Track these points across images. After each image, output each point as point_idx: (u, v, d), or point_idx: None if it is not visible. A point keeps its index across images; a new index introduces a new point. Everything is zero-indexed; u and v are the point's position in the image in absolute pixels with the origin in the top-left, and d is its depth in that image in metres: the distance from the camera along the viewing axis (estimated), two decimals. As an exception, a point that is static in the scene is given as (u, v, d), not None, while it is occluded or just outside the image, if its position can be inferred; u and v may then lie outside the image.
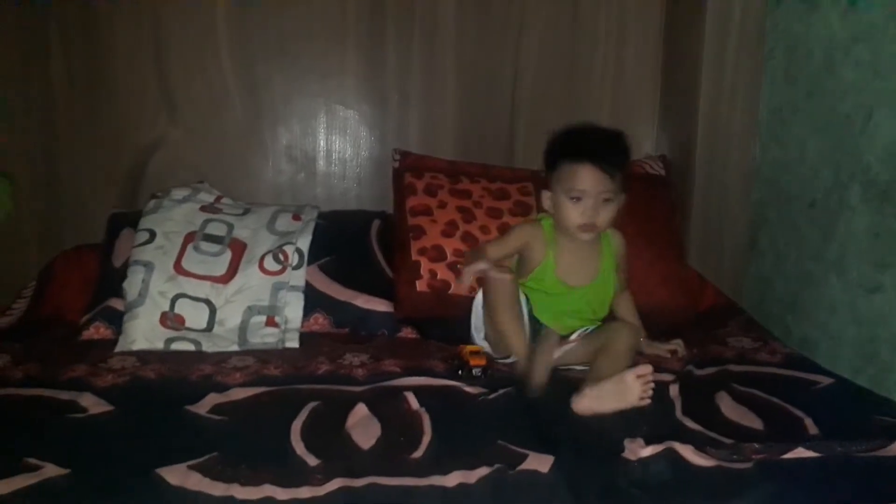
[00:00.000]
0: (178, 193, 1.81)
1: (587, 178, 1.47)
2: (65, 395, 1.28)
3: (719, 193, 2.00)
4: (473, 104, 2.14)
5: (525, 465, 1.02)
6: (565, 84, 2.15)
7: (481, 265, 1.45)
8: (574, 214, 1.49)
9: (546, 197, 1.56)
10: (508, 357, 1.46)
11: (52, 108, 2.02)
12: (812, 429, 1.19)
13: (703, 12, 1.96)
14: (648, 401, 1.23)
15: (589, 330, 1.53)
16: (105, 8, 2.00)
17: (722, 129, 1.98)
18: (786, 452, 1.07)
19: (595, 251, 1.57)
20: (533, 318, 1.52)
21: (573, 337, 1.50)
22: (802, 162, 1.81)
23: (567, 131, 1.57)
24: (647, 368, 1.24)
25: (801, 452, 1.07)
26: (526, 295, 1.52)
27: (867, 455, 1.08)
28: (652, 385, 1.24)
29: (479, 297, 1.53)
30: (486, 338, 1.52)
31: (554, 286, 1.54)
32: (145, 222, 1.72)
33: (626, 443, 1.07)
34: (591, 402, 1.23)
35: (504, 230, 1.68)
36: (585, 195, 1.48)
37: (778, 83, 1.91)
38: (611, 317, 1.61)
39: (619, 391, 1.22)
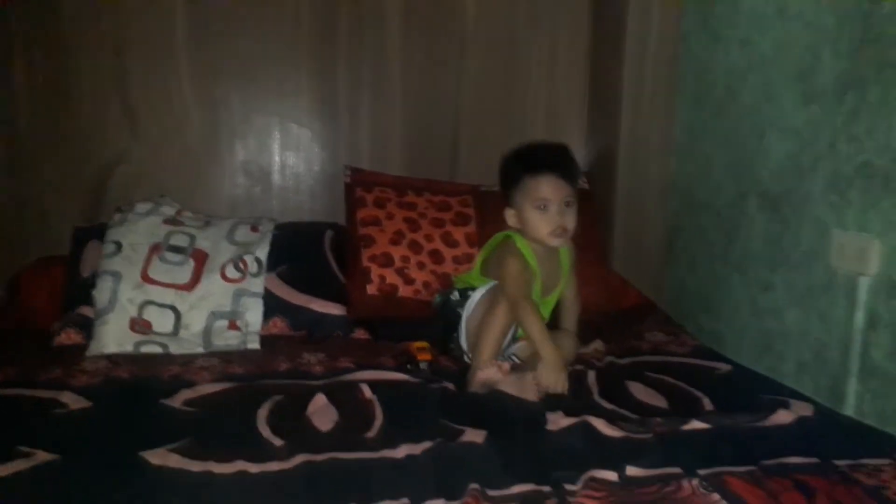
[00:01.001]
0: (142, 207, 1.92)
1: (550, 186, 1.60)
2: (45, 394, 1.39)
3: (639, 204, 2.22)
4: (419, 122, 2.31)
5: (463, 438, 1.19)
6: (503, 104, 2.34)
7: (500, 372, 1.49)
8: (543, 223, 1.61)
9: (510, 215, 1.67)
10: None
11: (15, 124, 2.11)
12: (708, 406, 1.40)
13: (623, 40, 2.17)
14: (536, 399, 1.41)
15: None
16: (68, 26, 2.10)
17: (641, 146, 2.20)
18: (683, 425, 1.27)
19: (557, 260, 1.72)
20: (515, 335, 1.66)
21: (524, 337, 1.64)
22: (710, 175, 2.03)
23: (520, 151, 1.71)
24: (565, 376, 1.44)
25: (695, 425, 1.27)
26: None
27: (749, 425, 1.28)
28: (543, 392, 1.42)
29: (478, 293, 1.62)
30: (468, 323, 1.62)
31: (536, 300, 1.66)
32: (112, 234, 1.84)
33: (548, 415, 1.26)
34: (504, 387, 1.43)
35: (507, 272, 1.60)
36: (550, 202, 1.60)
37: (689, 104, 2.14)
38: (555, 322, 1.75)
39: (520, 385, 1.42)
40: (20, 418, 1.30)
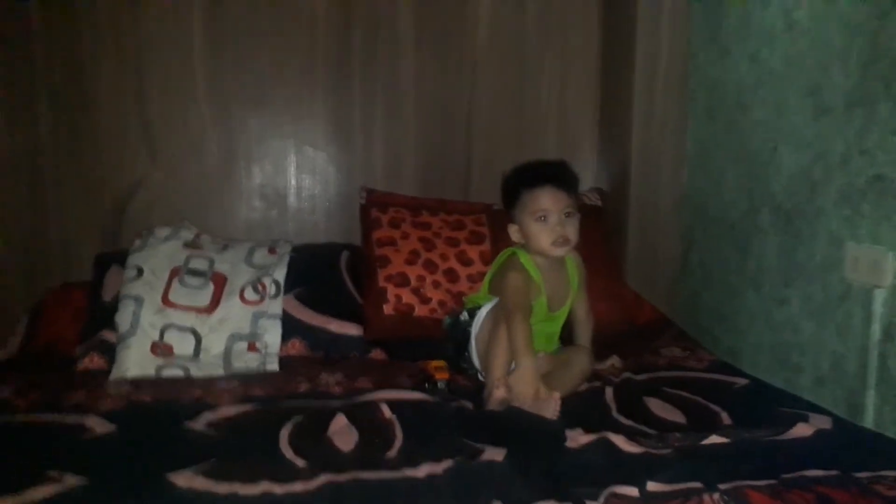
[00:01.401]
0: (162, 232, 1.96)
1: (548, 197, 1.64)
2: (70, 419, 1.41)
3: (652, 219, 2.23)
4: (432, 142, 2.34)
5: (483, 457, 1.20)
6: (515, 126, 2.37)
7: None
8: (544, 234, 1.64)
9: (513, 231, 1.70)
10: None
11: (38, 154, 2.16)
12: (727, 420, 1.40)
13: (634, 58, 2.20)
14: (556, 417, 1.39)
15: (554, 350, 1.71)
16: (90, 57, 2.15)
17: (653, 161, 2.22)
18: (702, 440, 1.28)
19: (565, 276, 1.74)
20: None
21: (540, 355, 1.64)
22: (723, 189, 2.04)
23: (519, 167, 1.77)
24: (558, 395, 1.43)
25: (714, 439, 1.28)
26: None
27: (769, 439, 1.29)
28: (560, 406, 1.41)
29: (485, 310, 1.63)
30: (479, 342, 1.63)
31: (543, 315, 1.69)
32: (133, 259, 1.87)
33: (568, 432, 1.27)
34: (521, 405, 1.43)
35: (507, 284, 1.62)
36: (549, 213, 1.63)
37: (701, 120, 2.16)
38: (569, 339, 1.78)
39: (538, 403, 1.42)
40: (48, 443, 1.32)
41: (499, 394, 1.47)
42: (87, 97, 2.17)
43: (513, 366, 1.65)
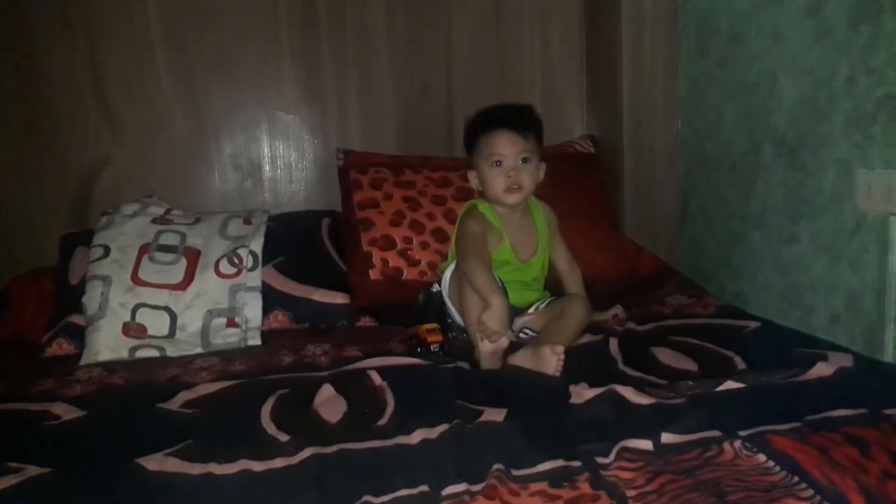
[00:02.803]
0: (129, 209, 1.84)
1: (503, 142, 1.58)
2: (36, 407, 1.31)
3: (648, 166, 2.13)
4: (410, 100, 2.22)
5: (482, 419, 1.10)
6: (497, 74, 2.25)
7: (502, 340, 1.40)
8: (498, 180, 1.59)
9: (472, 176, 1.67)
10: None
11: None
12: (741, 365, 1.31)
13: (620, 1, 2.08)
14: (559, 373, 1.29)
15: (546, 302, 1.62)
16: (39, 33, 2.02)
17: (645, 106, 2.11)
18: (717, 387, 1.18)
19: (532, 224, 1.68)
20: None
21: (531, 310, 1.60)
22: (720, 129, 1.94)
23: (479, 112, 1.71)
24: (560, 348, 1.31)
25: (729, 385, 1.18)
26: (501, 281, 1.57)
27: (788, 381, 1.19)
28: (562, 361, 1.30)
29: (449, 271, 1.58)
30: (454, 303, 1.56)
31: (513, 263, 1.63)
32: (99, 238, 1.76)
33: (571, 388, 1.17)
34: (519, 361, 1.35)
35: (462, 232, 1.60)
36: (505, 158, 1.58)
37: (693, 57, 2.04)
38: (561, 291, 1.71)
39: (538, 359, 1.32)
40: (9, 434, 1.21)
41: (486, 348, 1.38)
42: (39, 74, 2.04)
43: (520, 321, 1.58)
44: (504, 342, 1.39)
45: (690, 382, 1.20)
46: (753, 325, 1.52)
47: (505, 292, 1.56)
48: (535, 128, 1.66)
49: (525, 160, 1.60)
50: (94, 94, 2.07)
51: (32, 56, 2.03)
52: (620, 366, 1.35)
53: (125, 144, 2.10)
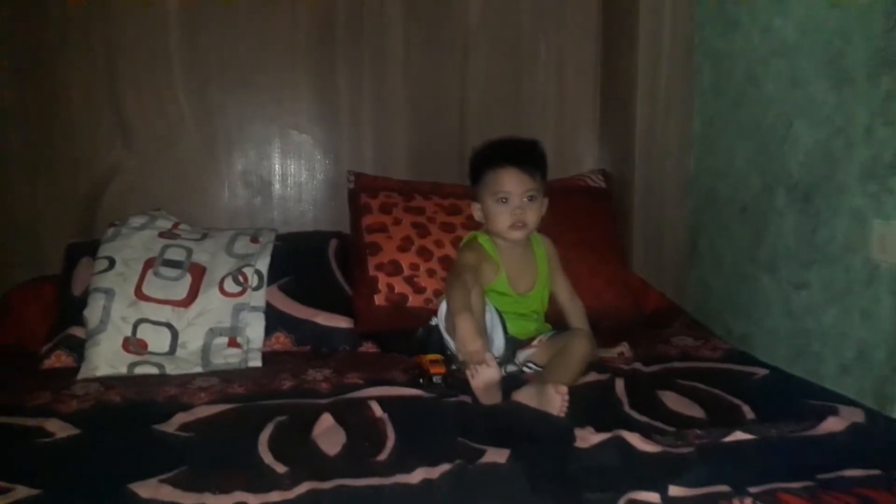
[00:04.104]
0: (136, 221, 1.83)
1: (510, 179, 1.60)
2: (30, 422, 1.28)
3: (658, 203, 2.11)
4: (424, 125, 2.21)
5: (484, 459, 1.08)
6: (510, 104, 2.24)
7: (489, 364, 1.36)
8: (503, 216, 1.60)
9: (476, 209, 1.68)
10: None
11: (4, 140, 2.02)
12: (749, 414, 1.28)
13: (636, 34, 2.07)
14: (564, 414, 1.26)
15: (549, 335, 1.60)
16: (56, 35, 2.02)
17: (658, 142, 2.09)
18: (725, 436, 1.16)
19: (531, 258, 1.68)
20: (507, 335, 1.58)
21: (535, 342, 1.58)
22: (733, 169, 1.93)
23: (486, 144, 1.72)
24: (564, 388, 1.28)
25: (739, 436, 1.16)
26: (498, 311, 1.57)
27: (799, 435, 1.17)
28: (567, 402, 1.27)
29: (444, 305, 1.55)
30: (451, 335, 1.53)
31: (510, 295, 1.63)
32: (104, 250, 1.74)
33: (577, 431, 1.14)
34: (523, 399, 1.32)
35: (455, 261, 1.65)
36: (511, 195, 1.60)
37: (707, 96, 2.04)
38: (564, 325, 1.69)
39: (542, 398, 1.29)
40: (1, 450, 1.19)
41: (478, 381, 1.34)
42: (56, 79, 2.03)
43: (523, 355, 1.56)
44: (494, 375, 1.35)
45: (698, 431, 1.18)
46: (762, 372, 1.50)
47: (503, 323, 1.55)
48: (542, 165, 1.68)
49: (531, 198, 1.61)
50: (110, 101, 2.07)
51: (49, 62, 2.03)
52: (626, 408, 1.33)
53: (137, 154, 2.09)
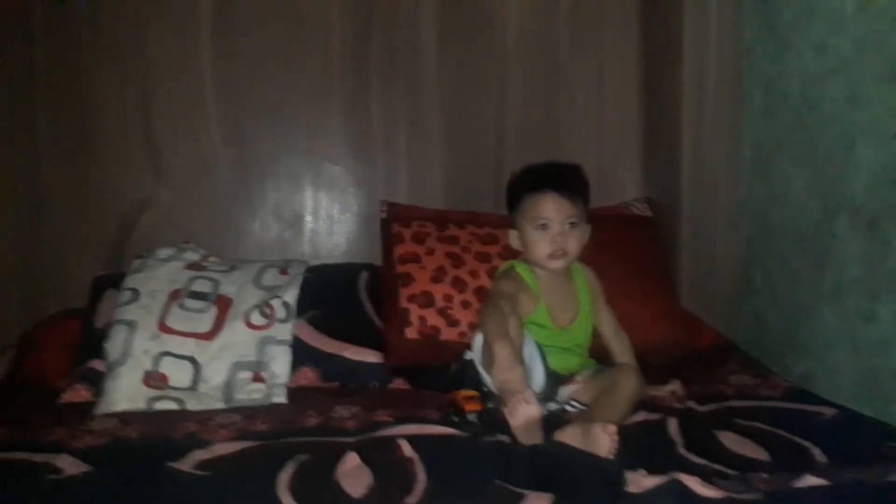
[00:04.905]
0: (163, 253, 1.78)
1: (550, 206, 1.51)
2: (40, 458, 1.22)
3: (707, 233, 2.00)
4: (460, 155, 2.14)
5: (524, 504, 0.97)
6: (550, 131, 2.16)
7: (528, 401, 1.27)
8: (543, 244, 1.51)
9: (513, 236, 1.59)
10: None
11: (37, 172, 2.01)
12: (820, 457, 1.16)
13: (681, 61, 1.99)
14: (613, 456, 1.14)
15: (593, 371, 1.51)
16: (89, 67, 2.01)
17: (706, 169, 2.00)
18: (795, 481, 1.03)
19: (572, 288, 1.59)
20: (548, 369, 1.47)
21: (578, 378, 1.48)
22: (789, 197, 1.81)
23: (525, 169, 1.65)
24: (613, 428, 1.17)
25: (811, 480, 1.03)
26: (538, 344, 1.47)
27: (879, 481, 1.03)
28: (616, 442, 1.15)
29: (479, 338, 1.46)
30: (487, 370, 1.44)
31: (550, 327, 1.53)
32: (129, 282, 1.70)
33: (628, 475, 1.02)
34: (567, 439, 1.20)
35: (491, 290, 1.58)
36: (551, 222, 1.51)
37: (757, 121, 1.94)
38: (609, 361, 1.58)
39: (588, 438, 1.17)
40: (9, 486, 1.12)
41: (517, 420, 1.24)
42: (89, 111, 2.03)
43: (566, 393, 1.45)
44: (534, 412, 1.26)
45: (764, 475, 1.06)
46: (830, 411, 1.36)
47: (543, 357, 1.44)
48: (584, 191, 1.59)
49: (572, 225, 1.52)
50: (142, 133, 2.04)
51: (84, 94, 2.03)
52: (681, 450, 1.20)
53: (169, 187, 2.06)
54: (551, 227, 1.51)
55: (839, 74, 1.63)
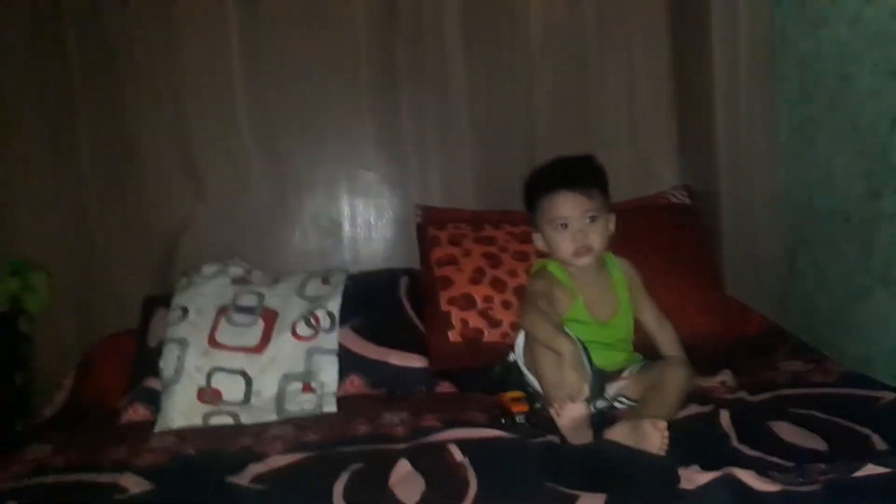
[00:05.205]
0: (209, 270, 1.82)
1: (566, 204, 1.49)
2: (104, 478, 1.26)
3: (749, 218, 1.97)
4: (491, 155, 2.14)
5: (578, 505, 0.97)
6: (581, 124, 2.15)
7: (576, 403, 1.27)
8: (565, 243, 1.50)
9: (538, 239, 1.58)
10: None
11: (82, 197, 2.08)
12: (880, 445, 1.13)
13: (711, 45, 1.96)
14: (664, 452, 1.14)
15: (640, 366, 1.49)
16: (129, 93, 2.07)
17: (743, 153, 1.97)
18: (855, 471, 1.01)
19: (609, 281, 1.57)
20: (593, 367, 1.45)
21: (625, 374, 1.47)
22: (831, 177, 1.77)
23: (535, 170, 1.61)
24: (663, 424, 1.16)
25: (872, 469, 1.01)
26: (581, 342, 1.44)
27: (944, 467, 1.01)
28: (667, 438, 1.15)
29: (521, 337, 1.47)
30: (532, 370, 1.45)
31: (590, 323, 1.52)
32: (178, 300, 1.74)
33: (681, 471, 1.02)
34: (617, 437, 1.20)
35: (525, 292, 1.57)
36: (569, 220, 1.49)
37: (794, 101, 1.90)
38: (655, 353, 1.57)
39: (639, 435, 1.17)
40: (77, 508, 1.16)
41: (564, 420, 1.24)
42: (128, 134, 2.08)
43: (613, 389, 1.45)
44: (581, 410, 1.25)
45: (822, 465, 1.04)
46: (888, 396, 1.32)
47: (587, 355, 1.43)
48: (599, 180, 1.55)
49: (592, 219, 1.50)
50: (179, 152, 2.10)
51: (123, 117, 2.08)
52: (735, 443, 1.19)
53: (208, 204, 2.11)
54: (571, 225, 1.49)
55: (878, 48, 1.58)
